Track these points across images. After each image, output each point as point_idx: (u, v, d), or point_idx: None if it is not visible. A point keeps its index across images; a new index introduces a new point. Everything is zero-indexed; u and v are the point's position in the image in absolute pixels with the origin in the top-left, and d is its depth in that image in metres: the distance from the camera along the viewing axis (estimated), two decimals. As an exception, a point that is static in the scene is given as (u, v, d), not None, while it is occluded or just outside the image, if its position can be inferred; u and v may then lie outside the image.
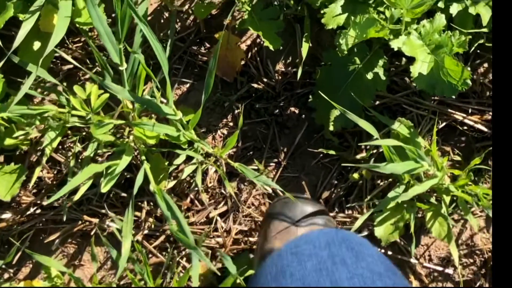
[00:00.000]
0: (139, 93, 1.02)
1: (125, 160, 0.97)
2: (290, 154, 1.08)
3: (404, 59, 1.08)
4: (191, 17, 1.13)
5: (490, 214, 0.92)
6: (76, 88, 0.99)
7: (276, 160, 1.08)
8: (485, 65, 1.08)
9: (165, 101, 1.06)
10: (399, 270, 0.75)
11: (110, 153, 1.05)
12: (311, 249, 0.72)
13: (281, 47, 1.01)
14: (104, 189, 0.94)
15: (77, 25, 1.02)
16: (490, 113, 1.06)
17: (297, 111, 1.08)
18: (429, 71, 0.95)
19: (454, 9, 1.01)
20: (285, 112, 1.09)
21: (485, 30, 0.98)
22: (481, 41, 1.01)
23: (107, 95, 0.98)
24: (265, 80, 1.09)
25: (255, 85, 1.09)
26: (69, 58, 0.97)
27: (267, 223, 0.98)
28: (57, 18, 0.95)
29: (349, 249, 0.71)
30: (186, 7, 1.13)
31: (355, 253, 0.71)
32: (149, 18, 1.13)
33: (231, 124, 1.09)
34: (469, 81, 0.91)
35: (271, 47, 0.99)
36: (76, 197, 0.95)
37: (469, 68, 1.07)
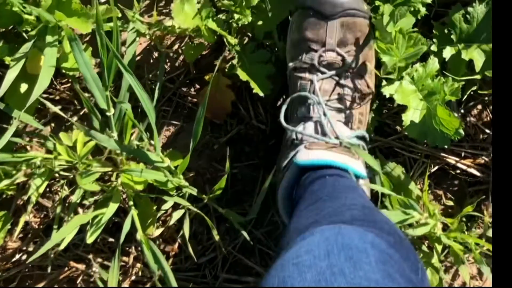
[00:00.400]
0: (126, 139, 1.01)
1: (112, 208, 0.96)
2: (281, 198, 1.06)
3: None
4: (181, 57, 1.12)
5: (481, 268, 0.91)
6: (62, 135, 0.98)
7: (266, 204, 1.06)
8: (479, 107, 1.07)
9: (154, 143, 1.05)
10: (400, 272, 0.74)
11: (97, 196, 1.04)
12: (311, 259, 0.72)
13: (270, 92, 1.00)
14: (90, 239, 0.93)
15: (64, 71, 1.00)
16: (483, 157, 1.04)
17: (287, 154, 1.07)
18: (421, 118, 0.94)
19: (447, 52, 0.99)
20: (275, 155, 1.07)
21: (477, 77, 0.96)
22: (474, 88, 0.99)
23: (93, 142, 0.97)
24: (255, 122, 1.08)
25: (245, 128, 1.08)
26: (52, 106, 0.96)
27: (295, 16, 0.96)
28: (42, 65, 0.94)
29: (348, 258, 0.72)
30: (176, 46, 1.12)
31: (353, 263, 0.71)
32: (138, 58, 1.11)
33: (220, 167, 1.08)
34: (461, 131, 0.90)
35: (260, 94, 0.98)
36: (62, 246, 0.94)
37: (462, 110, 1.06)
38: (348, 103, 0.92)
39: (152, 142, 1.01)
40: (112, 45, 0.89)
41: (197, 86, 1.11)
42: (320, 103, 0.90)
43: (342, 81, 0.92)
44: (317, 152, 0.86)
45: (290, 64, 0.96)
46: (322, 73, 0.92)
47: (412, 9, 0.97)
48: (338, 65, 0.92)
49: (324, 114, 0.89)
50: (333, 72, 0.92)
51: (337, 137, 0.88)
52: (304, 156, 0.86)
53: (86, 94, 1.05)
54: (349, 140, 0.88)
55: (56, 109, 0.97)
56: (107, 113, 0.98)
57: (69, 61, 1.01)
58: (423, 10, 0.95)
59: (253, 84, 0.98)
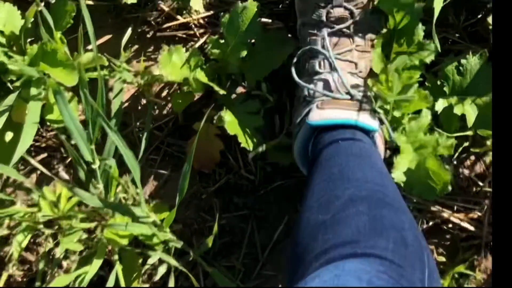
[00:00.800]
0: (112, 191, 0.99)
1: (95, 266, 0.95)
2: (270, 250, 1.04)
3: (388, 151, 1.04)
4: (169, 104, 1.10)
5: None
6: (45, 190, 0.96)
7: (254, 256, 1.04)
8: (472, 157, 1.04)
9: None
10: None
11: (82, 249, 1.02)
12: None
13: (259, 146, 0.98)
14: (72, 300, 0.91)
15: (48, 123, 0.99)
16: (476, 211, 1.02)
17: (277, 205, 1.05)
18: (411, 168, 0.92)
19: (440, 106, 0.97)
20: (265, 206, 1.05)
21: (469, 133, 0.94)
22: (466, 144, 0.97)
23: (77, 198, 0.95)
24: (244, 172, 1.06)
25: (234, 177, 1.06)
26: (36, 163, 0.94)
27: None
28: (25, 122, 0.92)
29: None
30: (165, 93, 1.10)
31: None
32: (125, 104, 1.09)
33: (208, 217, 1.06)
34: (449, 187, 0.88)
35: (248, 148, 0.96)
36: (43, 305, 0.92)
37: (455, 162, 1.04)
38: (358, 54, 0.93)
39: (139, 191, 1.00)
40: (96, 104, 0.87)
41: (186, 134, 1.09)
42: (330, 58, 0.91)
43: (352, 33, 0.93)
44: (329, 111, 0.87)
45: (299, 20, 0.97)
46: (331, 28, 0.92)
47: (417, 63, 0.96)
48: (347, 18, 0.92)
49: (335, 70, 0.90)
50: (341, 26, 0.92)
51: (347, 92, 0.89)
52: (316, 116, 0.87)
53: (73, 141, 1.03)
54: (359, 96, 0.89)
55: (39, 165, 0.95)
56: (93, 166, 0.97)
57: (54, 113, 0.99)
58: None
59: (241, 139, 0.96)
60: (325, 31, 0.92)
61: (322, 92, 0.89)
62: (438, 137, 0.92)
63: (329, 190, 0.78)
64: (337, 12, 0.92)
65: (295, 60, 0.93)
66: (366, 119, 0.88)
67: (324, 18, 0.93)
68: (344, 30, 0.93)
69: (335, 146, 0.85)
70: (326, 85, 0.91)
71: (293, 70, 0.92)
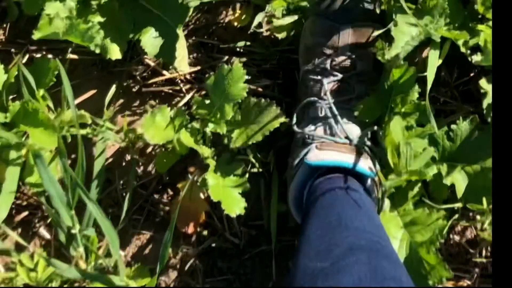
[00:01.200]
0: (92, 256, 0.97)
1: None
2: (254, 317, 1.02)
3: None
4: (154, 161, 1.07)
5: None
6: (23, 257, 0.94)
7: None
8: (462, 222, 1.02)
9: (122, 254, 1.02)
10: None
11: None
12: None
13: (243, 211, 0.95)
14: None
15: (28, 186, 0.96)
16: (466, 280, 1.00)
17: (262, 269, 1.02)
18: (404, 255, 0.90)
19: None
20: (249, 270, 1.02)
21: (459, 205, 0.92)
22: (456, 216, 0.94)
23: (55, 266, 0.92)
24: (228, 235, 1.03)
25: (218, 240, 1.03)
26: (12, 233, 0.93)
27: (309, 22, 0.98)
28: (1, 192, 0.90)
29: None
30: (150, 149, 1.08)
31: None
32: (109, 160, 1.07)
33: (191, 281, 1.03)
34: (445, 280, 0.86)
35: (232, 215, 0.93)
36: None
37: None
38: (358, 102, 0.93)
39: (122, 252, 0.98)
40: (75, 175, 0.85)
41: (171, 193, 1.06)
42: (330, 105, 0.91)
43: (354, 83, 0.94)
44: (328, 152, 0.88)
45: (303, 67, 0.98)
46: (334, 75, 0.94)
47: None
48: (350, 68, 0.94)
49: (334, 116, 0.91)
50: (344, 75, 0.94)
51: (346, 137, 0.89)
52: (315, 156, 0.88)
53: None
54: (357, 142, 0.89)
55: (15, 235, 0.93)
56: (73, 231, 0.94)
57: (34, 175, 0.97)
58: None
59: (224, 205, 0.93)
60: (328, 79, 0.93)
61: (321, 136, 0.90)
62: (429, 213, 0.90)
63: (327, 238, 0.77)
64: (341, 60, 0.93)
65: (297, 110, 0.93)
66: (363, 163, 0.88)
67: (328, 66, 0.94)
68: (346, 79, 0.93)
69: (332, 195, 0.85)
70: (326, 129, 0.91)
71: (294, 119, 0.92)
